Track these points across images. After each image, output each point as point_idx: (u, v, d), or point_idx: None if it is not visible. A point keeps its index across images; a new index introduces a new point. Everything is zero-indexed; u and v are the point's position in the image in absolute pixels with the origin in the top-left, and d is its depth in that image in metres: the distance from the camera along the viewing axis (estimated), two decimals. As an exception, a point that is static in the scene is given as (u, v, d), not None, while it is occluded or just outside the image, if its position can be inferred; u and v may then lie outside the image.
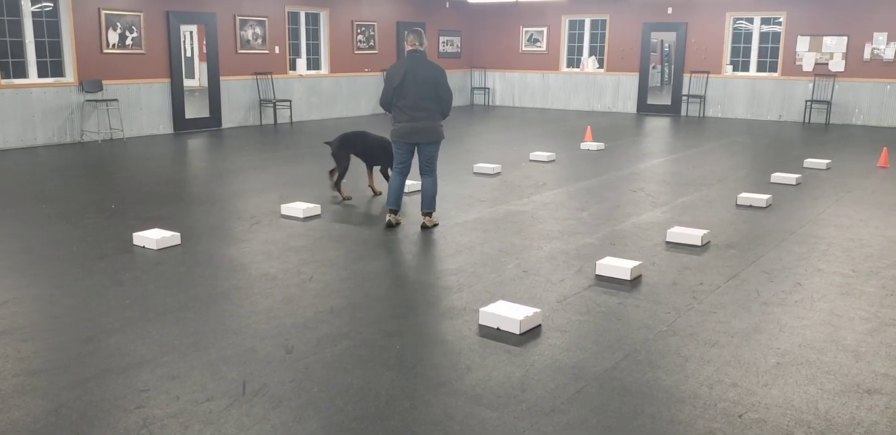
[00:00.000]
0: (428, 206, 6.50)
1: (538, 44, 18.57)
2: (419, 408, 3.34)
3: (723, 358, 3.89)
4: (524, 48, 18.78)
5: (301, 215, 6.84)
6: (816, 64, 15.41)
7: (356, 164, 7.94)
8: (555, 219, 6.98)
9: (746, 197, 7.61)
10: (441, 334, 4.24)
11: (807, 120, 15.59)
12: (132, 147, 11.48)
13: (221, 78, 13.79)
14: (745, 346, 4.05)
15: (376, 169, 7.91)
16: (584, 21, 18.06)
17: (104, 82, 11.93)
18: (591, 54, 18.12)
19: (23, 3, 11.11)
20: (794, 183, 8.70)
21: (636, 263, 5.29)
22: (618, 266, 5.20)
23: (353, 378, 3.62)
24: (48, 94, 11.38)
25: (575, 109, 18.19)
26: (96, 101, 11.79)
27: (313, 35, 15.65)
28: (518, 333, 4.16)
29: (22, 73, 11.26)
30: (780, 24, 15.80)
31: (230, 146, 12.05)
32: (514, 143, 12.26)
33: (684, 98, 16.85)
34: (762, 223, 6.86)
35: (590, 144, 11.58)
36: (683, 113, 16.93)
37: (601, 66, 17.97)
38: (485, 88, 19.39)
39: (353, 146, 7.59)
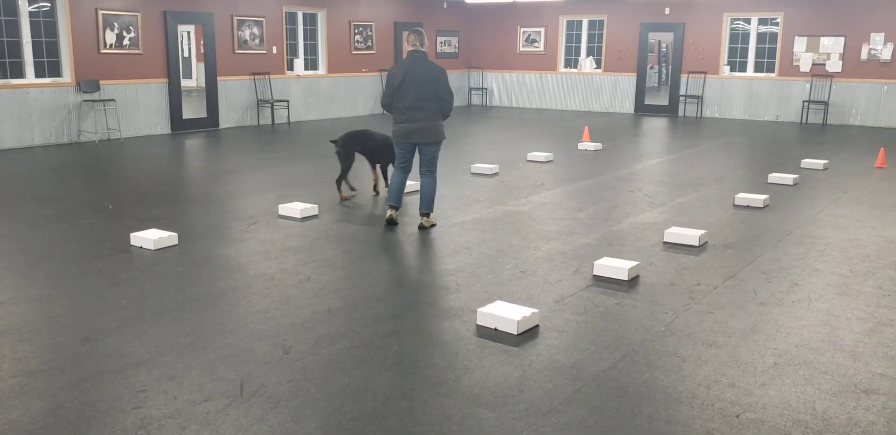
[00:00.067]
0: (426, 207, 6.50)
1: (536, 44, 18.58)
2: (417, 408, 3.34)
3: (720, 358, 3.89)
4: (522, 48, 18.79)
5: (298, 215, 6.84)
6: (814, 64, 15.43)
7: (358, 166, 7.93)
8: (552, 219, 6.98)
9: (744, 197, 7.61)
10: (439, 335, 4.24)
11: (804, 120, 15.61)
12: (129, 147, 11.46)
13: (219, 78, 13.79)
14: (743, 346, 4.05)
15: (379, 168, 7.97)
16: (581, 21, 18.07)
17: (101, 82, 11.92)
18: (588, 55, 18.14)
19: (20, 2, 11.10)
20: (791, 183, 8.71)
21: (634, 263, 5.30)
22: (615, 266, 5.20)
23: (351, 378, 3.62)
24: (45, 94, 11.36)
25: (572, 110, 18.20)
26: (93, 101, 11.78)
27: (311, 35, 15.65)
28: (516, 333, 4.16)
29: (19, 73, 11.25)
30: (777, 24, 15.82)
31: (228, 146, 12.04)
32: (511, 143, 12.27)
33: (682, 98, 16.87)
34: (759, 223, 6.86)
35: (587, 145, 11.59)
36: (681, 113, 16.95)
37: (599, 66, 17.98)
38: (482, 89, 19.40)
39: (357, 144, 7.65)
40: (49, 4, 11.47)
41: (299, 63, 15.32)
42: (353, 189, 7.93)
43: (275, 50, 14.68)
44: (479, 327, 4.28)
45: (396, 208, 6.59)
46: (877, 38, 14.77)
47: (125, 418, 3.21)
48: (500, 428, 3.18)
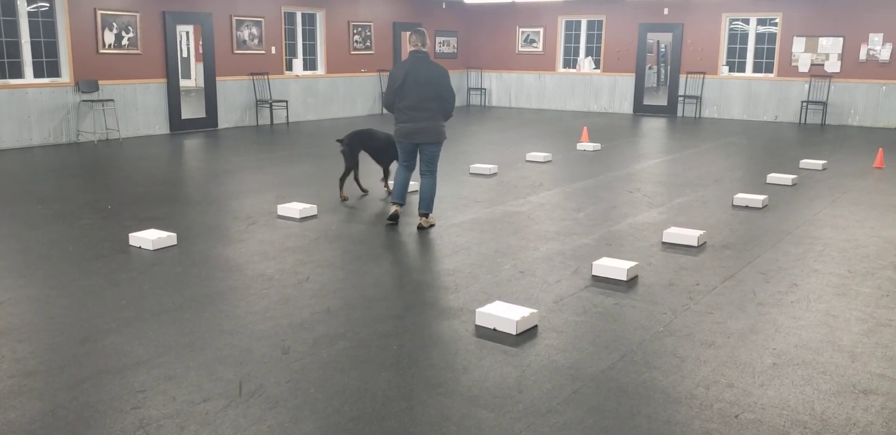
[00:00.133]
0: (425, 207, 6.50)
1: (534, 44, 18.58)
2: (416, 408, 3.34)
3: (719, 358, 3.90)
4: (520, 49, 18.80)
5: (297, 216, 6.84)
6: (812, 65, 15.44)
7: (370, 167, 7.93)
8: (551, 219, 6.98)
9: (742, 198, 7.62)
10: (438, 335, 4.24)
11: (803, 121, 15.62)
12: (128, 147, 11.46)
13: (218, 78, 13.78)
14: (742, 346, 4.06)
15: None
16: (580, 22, 18.07)
17: (100, 83, 11.91)
18: (587, 55, 18.14)
19: (19, 3, 11.09)
20: (790, 184, 8.72)
21: (632, 263, 5.30)
22: (614, 267, 5.21)
23: (350, 379, 3.62)
24: (44, 94, 11.36)
25: (571, 110, 18.20)
26: (92, 101, 11.77)
27: (310, 35, 15.64)
28: (514, 333, 4.16)
29: (18, 73, 11.24)
30: (776, 24, 15.83)
31: (226, 146, 12.04)
32: (510, 143, 12.27)
33: (680, 99, 16.87)
34: (758, 224, 6.87)
35: (586, 145, 11.59)
36: (680, 114, 16.95)
37: (597, 66, 17.98)
38: (481, 89, 19.40)
39: (362, 143, 7.69)
40: (48, 4, 11.46)
41: (298, 63, 15.32)
42: (364, 190, 7.94)
43: (273, 50, 14.68)
44: (478, 328, 4.28)
45: (401, 205, 6.62)
46: (875, 39, 14.78)
47: (124, 419, 3.21)
48: (498, 428, 3.18)
